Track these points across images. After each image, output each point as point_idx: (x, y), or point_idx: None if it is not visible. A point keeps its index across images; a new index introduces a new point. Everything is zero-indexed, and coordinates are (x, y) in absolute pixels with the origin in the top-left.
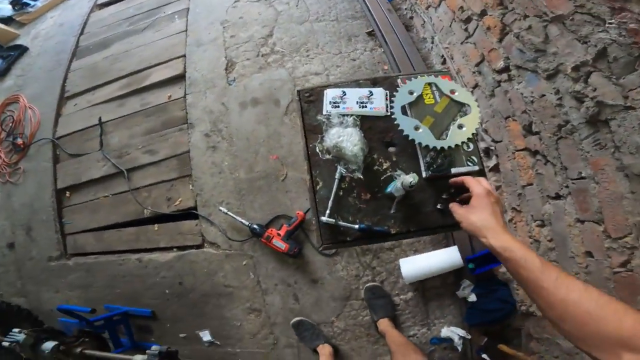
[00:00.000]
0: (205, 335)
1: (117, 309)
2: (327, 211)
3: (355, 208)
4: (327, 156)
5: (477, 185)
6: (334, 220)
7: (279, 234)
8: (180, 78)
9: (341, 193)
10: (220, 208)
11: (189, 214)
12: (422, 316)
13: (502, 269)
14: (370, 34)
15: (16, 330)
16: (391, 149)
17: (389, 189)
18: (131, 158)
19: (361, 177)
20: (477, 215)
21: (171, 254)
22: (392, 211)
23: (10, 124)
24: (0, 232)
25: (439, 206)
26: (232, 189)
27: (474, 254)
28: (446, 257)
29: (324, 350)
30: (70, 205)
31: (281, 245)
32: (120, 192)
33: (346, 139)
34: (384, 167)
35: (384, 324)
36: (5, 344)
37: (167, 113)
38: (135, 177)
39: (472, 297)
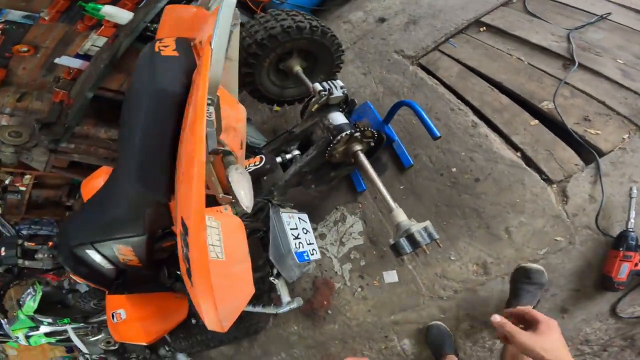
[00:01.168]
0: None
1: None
2: None
3: None
4: None
5: (540, 314)
6: None
7: None
8: None
9: None
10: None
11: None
12: None
13: None
14: None
15: None
16: None
17: None
18: (599, 60)
19: None
20: (550, 344)
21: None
22: None
23: None
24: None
25: None
26: None
27: None
28: None
29: None
30: (468, 34)
31: None
32: (541, 69)
33: None
34: None
35: None
36: None
37: None
38: (577, 77)
39: None
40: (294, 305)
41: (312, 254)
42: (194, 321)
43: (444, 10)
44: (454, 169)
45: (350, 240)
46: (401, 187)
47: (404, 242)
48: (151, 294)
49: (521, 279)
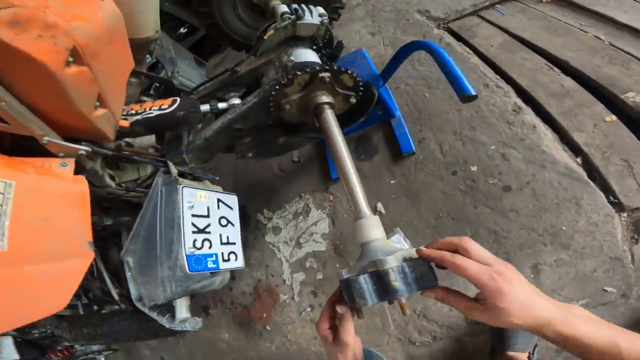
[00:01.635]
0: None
1: None
2: None
3: None
4: None
5: (474, 269)
6: None
7: None
8: None
9: None
10: None
11: None
12: None
13: None
14: None
15: None
16: None
17: None
18: None
19: None
20: (517, 314)
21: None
22: None
23: None
24: None
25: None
26: None
27: None
28: None
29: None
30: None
31: None
32: (629, 52)
33: None
34: None
35: None
36: None
37: None
38: None
39: None
40: (187, 327)
41: (227, 260)
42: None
43: None
44: (473, 168)
45: (310, 242)
46: (391, 182)
47: (364, 282)
48: None
49: None
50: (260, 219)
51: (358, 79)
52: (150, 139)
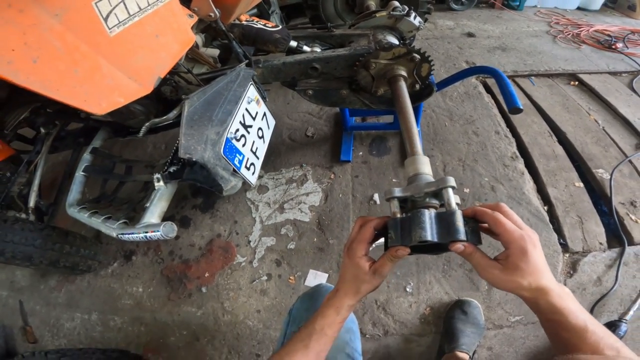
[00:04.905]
0: None
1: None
2: None
3: None
4: None
5: (509, 225)
6: None
7: None
8: None
9: None
10: None
11: None
12: None
13: None
14: None
15: None
16: None
17: None
18: None
19: None
20: (529, 277)
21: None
22: None
23: None
24: None
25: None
26: None
27: None
28: None
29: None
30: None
31: None
32: (613, 138)
33: None
34: None
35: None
36: None
37: None
38: None
39: None
40: (157, 233)
41: (248, 168)
42: None
43: (545, 54)
44: (466, 190)
45: (295, 210)
46: (393, 180)
47: (428, 217)
48: None
49: (457, 315)
50: None
51: (431, 73)
52: (215, 52)
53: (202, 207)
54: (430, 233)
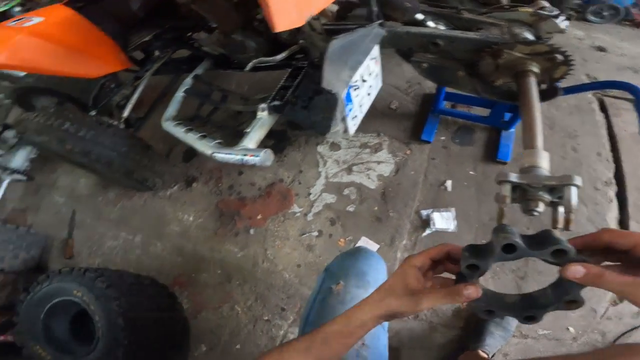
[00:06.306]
0: None
1: None
2: None
3: None
4: None
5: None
6: None
7: None
8: None
9: None
10: None
11: None
12: None
13: None
14: None
15: None
16: None
17: None
18: None
19: None
20: None
21: None
22: None
23: None
24: None
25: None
26: None
27: None
28: None
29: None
30: None
31: None
32: None
33: None
34: None
35: None
36: None
37: None
38: None
39: None
40: (257, 158)
41: (353, 118)
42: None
43: None
44: None
45: (362, 175)
46: (470, 172)
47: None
48: (99, 32)
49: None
50: None
51: (564, 77)
52: (334, 8)
53: (272, 149)
54: (521, 241)
